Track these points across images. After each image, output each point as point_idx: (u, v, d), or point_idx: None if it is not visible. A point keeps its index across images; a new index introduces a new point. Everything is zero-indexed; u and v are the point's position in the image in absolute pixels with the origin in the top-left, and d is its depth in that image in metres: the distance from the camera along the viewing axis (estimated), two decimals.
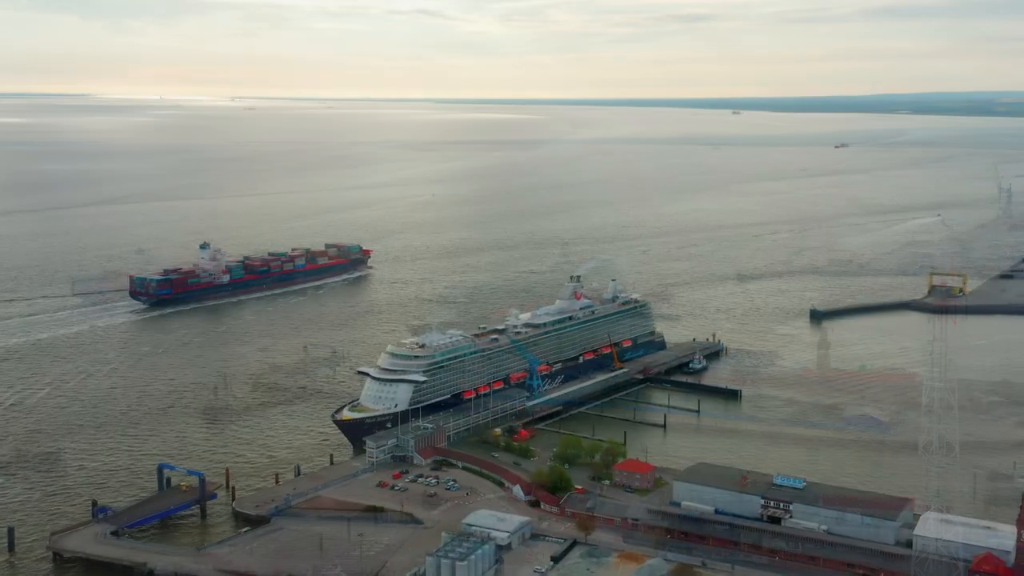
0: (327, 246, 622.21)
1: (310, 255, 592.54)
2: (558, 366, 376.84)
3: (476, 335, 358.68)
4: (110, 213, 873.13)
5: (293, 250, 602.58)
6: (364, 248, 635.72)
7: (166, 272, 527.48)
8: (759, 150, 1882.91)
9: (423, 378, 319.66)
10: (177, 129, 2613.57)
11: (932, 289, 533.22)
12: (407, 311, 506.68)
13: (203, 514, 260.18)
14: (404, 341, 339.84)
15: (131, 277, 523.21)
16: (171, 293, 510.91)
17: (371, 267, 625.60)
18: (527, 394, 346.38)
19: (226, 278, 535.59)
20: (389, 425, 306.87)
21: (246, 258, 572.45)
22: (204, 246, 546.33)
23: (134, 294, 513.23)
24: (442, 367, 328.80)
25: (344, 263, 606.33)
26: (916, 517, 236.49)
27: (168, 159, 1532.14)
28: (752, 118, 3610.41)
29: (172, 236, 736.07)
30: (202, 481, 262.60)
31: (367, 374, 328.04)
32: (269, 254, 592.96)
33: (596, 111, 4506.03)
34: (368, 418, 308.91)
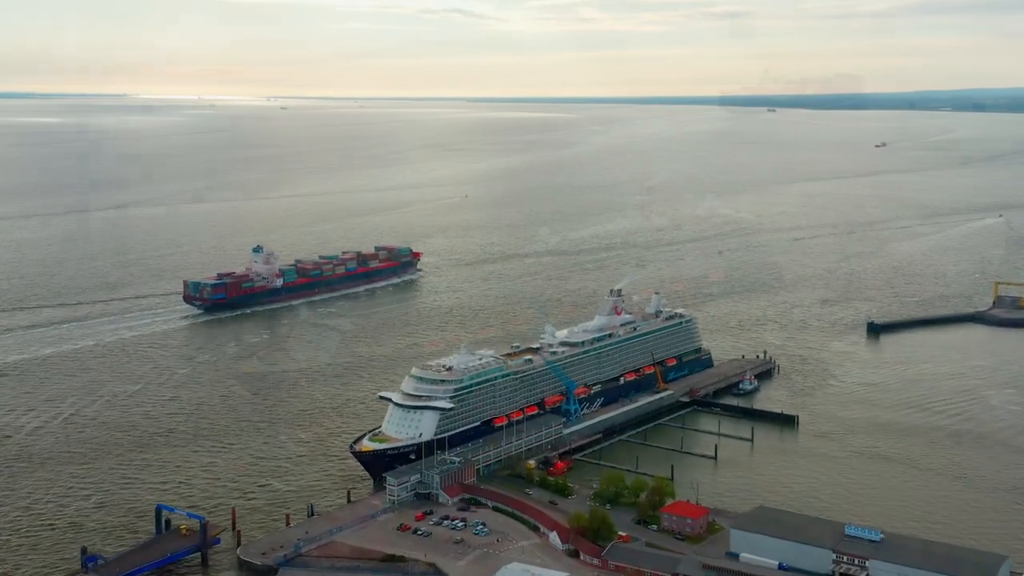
0: (377, 248, 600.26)
1: (361, 258, 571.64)
2: (597, 388, 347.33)
3: (508, 355, 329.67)
4: (140, 216, 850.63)
5: (344, 253, 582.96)
6: (414, 250, 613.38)
7: (220, 276, 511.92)
8: (796, 149, 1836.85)
9: (450, 405, 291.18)
10: (209, 129, 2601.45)
11: (997, 299, 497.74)
12: (431, 324, 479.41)
13: (204, 562, 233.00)
14: (430, 363, 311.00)
15: (185, 282, 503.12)
16: (225, 298, 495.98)
17: (421, 269, 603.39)
18: (563, 420, 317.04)
19: (279, 282, 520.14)
20: (413, 457, 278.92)
21: (298, 261, 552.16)
22: (257, 249, 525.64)
23: (188, 299, 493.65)
24: (471, 392, 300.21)
25: (395, 266, 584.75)
26: None
27: (195, 159, 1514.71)
28: (789, 116, 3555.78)
29: (203, 239, 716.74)
30: (203, 525, 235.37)
31: (390, 400, 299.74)
32: (320, 257, 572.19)
33: (628, 109, 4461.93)
34: (390, 449, 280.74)
